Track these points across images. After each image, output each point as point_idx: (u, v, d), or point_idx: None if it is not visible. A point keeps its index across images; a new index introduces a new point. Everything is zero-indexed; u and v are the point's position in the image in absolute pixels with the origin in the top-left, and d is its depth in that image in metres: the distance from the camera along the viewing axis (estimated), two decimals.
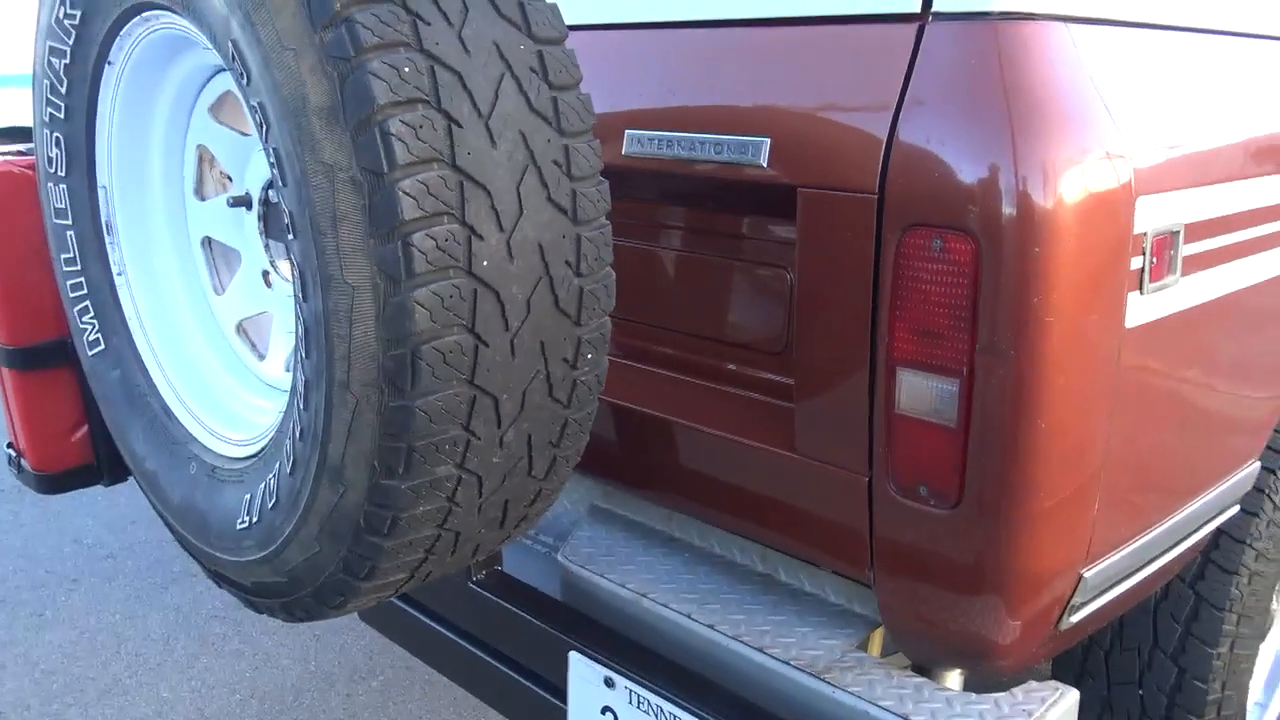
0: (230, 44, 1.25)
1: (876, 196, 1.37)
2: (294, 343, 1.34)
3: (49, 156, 1.78)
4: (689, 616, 1.75)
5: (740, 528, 1.78)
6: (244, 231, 1.77)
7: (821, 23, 1.50)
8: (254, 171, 1.70)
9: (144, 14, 1.53)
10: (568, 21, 1.32)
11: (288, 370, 1.73)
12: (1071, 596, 1.49)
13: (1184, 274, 1.50)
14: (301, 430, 1.33)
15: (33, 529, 4.24)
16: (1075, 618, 1.53)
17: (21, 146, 2.29)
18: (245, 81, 1.24)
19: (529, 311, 1.26)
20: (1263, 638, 2.13)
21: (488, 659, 1.93)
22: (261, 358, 1.83)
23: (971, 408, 1.34)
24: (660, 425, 1.77)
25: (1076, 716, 1.59)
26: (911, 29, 1.38)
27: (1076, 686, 1.66)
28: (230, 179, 1.77)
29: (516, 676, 1.89)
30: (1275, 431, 1.98)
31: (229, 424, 1.73)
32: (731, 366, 1.79)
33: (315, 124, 1.15)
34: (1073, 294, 1.31)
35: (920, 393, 1.38)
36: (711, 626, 1.72)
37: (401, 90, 1.12)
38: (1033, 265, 1.27)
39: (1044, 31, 1.34)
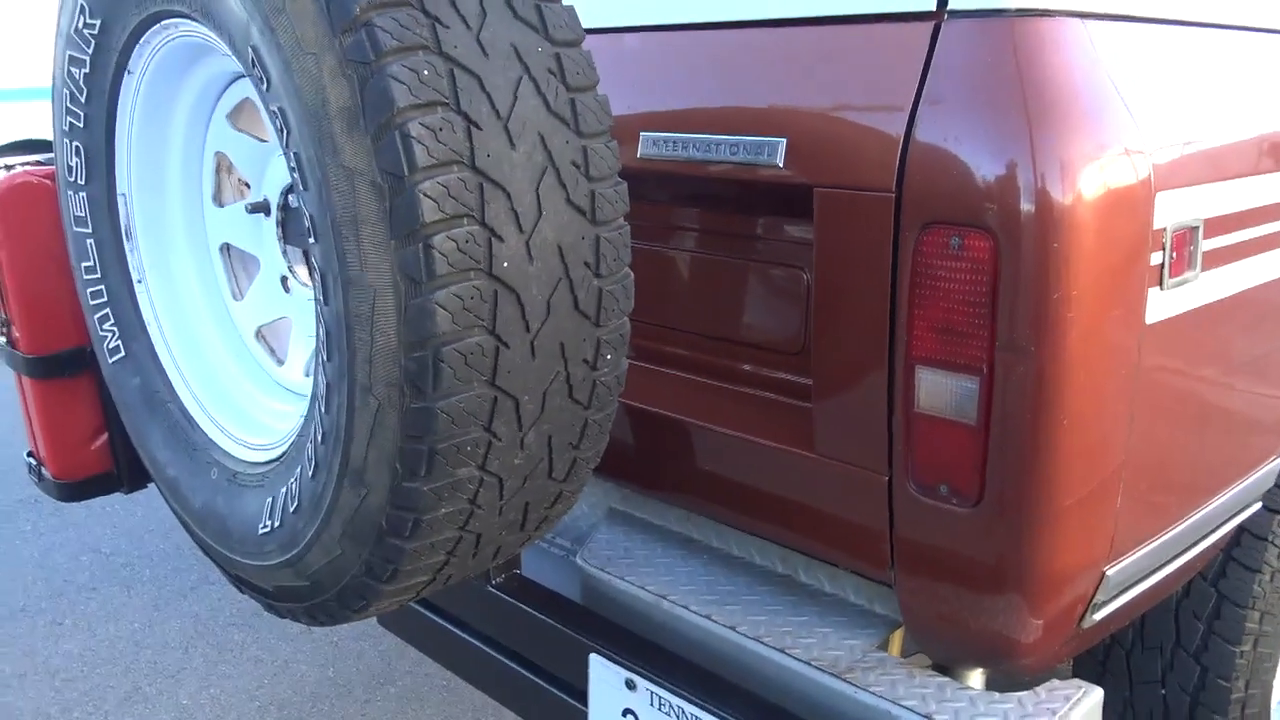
0: (250, 50, 1.26)
1: (894, 195, 1.37)
2: (314, 346, 1.35)
3: (69, 165, 1.80)
4: (709, 618, 1.75)
5: (759, 529, 1.78)
6: (262, 237, 1.78)
7: (837, 22, 1.51)
8: (272, 177, 1.71)
9: (163, 22, 1.54)
10: (583, 24, 1.32)
11: (307, 375, 1.73)
12: (1094, 594, 1.48)
13: (1204, 269, 1.50)
14: (323, 433, 1.33)
15: (51, 538, 4.26)
16: (1098, 616, 1.52)
17: (40, 157, 2.31)
18: (265, 87, 1.25)
19: (549, 313, 1.26)
20: None
21: (508, 662, 1.93)
22: (281, 363, 1.83)
23: (992, 405, 1.34)
24: (678, 427, 1.77)
25: (1101, 715, 1.58)
26: (928, 27, 1.38)
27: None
28: (248, 185, 1.79)
29: (537, 679, 1.89)
30: None
31: (249, 429, 1.74)
32: (749, 367, 1.79)
33: (336, 128, 1.16)
34: (1093, 290, 1.30)
35: (940, 391, 1.38)
36: (732, 628, 1.72)
37: (421, 93, 1.13)
38: (1052, 262, 1.27)
39: (1061, 28, 1.34)
